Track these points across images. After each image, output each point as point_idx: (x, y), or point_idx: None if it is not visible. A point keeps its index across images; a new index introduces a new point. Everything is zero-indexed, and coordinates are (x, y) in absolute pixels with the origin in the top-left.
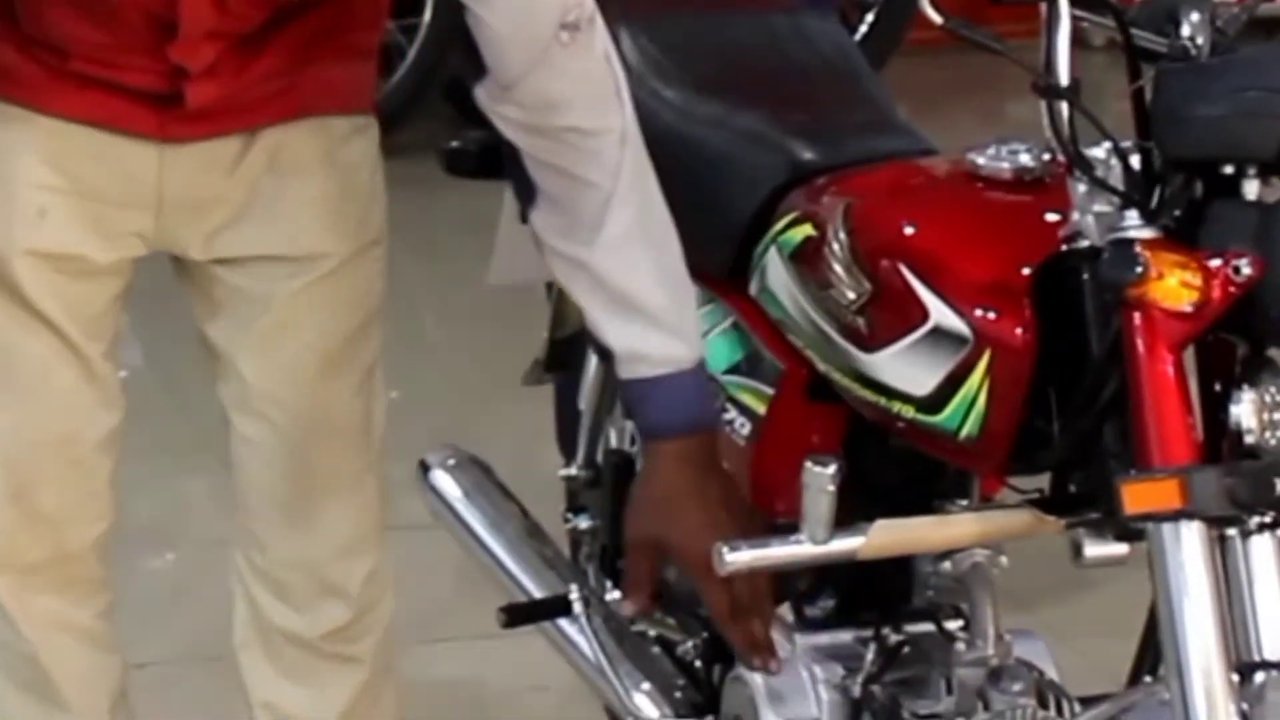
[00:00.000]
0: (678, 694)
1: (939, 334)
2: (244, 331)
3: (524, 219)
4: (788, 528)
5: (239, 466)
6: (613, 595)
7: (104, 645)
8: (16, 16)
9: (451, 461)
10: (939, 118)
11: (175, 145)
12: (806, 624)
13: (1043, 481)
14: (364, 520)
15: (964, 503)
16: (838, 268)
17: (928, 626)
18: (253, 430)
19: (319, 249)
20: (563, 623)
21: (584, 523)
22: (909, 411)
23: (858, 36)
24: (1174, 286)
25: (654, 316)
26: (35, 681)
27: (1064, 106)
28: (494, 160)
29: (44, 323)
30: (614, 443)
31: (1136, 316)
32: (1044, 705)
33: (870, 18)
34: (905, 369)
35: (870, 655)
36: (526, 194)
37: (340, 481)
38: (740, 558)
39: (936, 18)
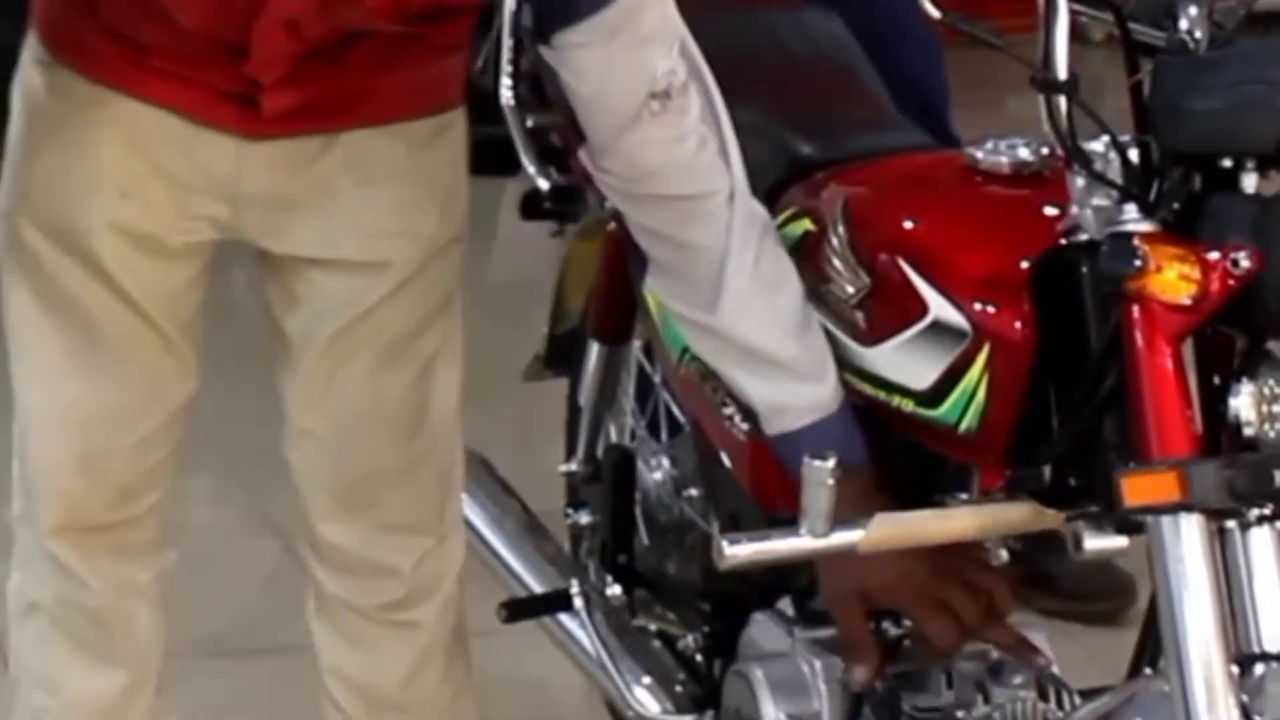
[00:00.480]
0: (678, 688)
1: (938, 328)
2: (318, 330)
3: (639, 285)
4: (787, 521)
5: (293, 454)
6: (614, 590)
7: (159, 607)
8: (98, 5)
9: None
10: None
11: (253, 141)
12: (807, 618)
13: (1043, 475)
14: (418, 506)
15: (964, 496)
16: (837, 262)
17: None
18: (310, 422)
19: (397, 257)
20: (563, 618)
21: (584, 518)
22: (908, 405)
23: None
24: (1173, 279)
25: (788, 367)
26: (94, 639)
27: (1062, 101)
28: (494, 157)
29: (124, 299)
30: (614, 438)
31: (1135, 309)
32: (1044, 698)
33: None
34: (904, 363)
35: None
36: (639, 261)
37: (391, 470)
38: (740, 551)
39: (935, 13)
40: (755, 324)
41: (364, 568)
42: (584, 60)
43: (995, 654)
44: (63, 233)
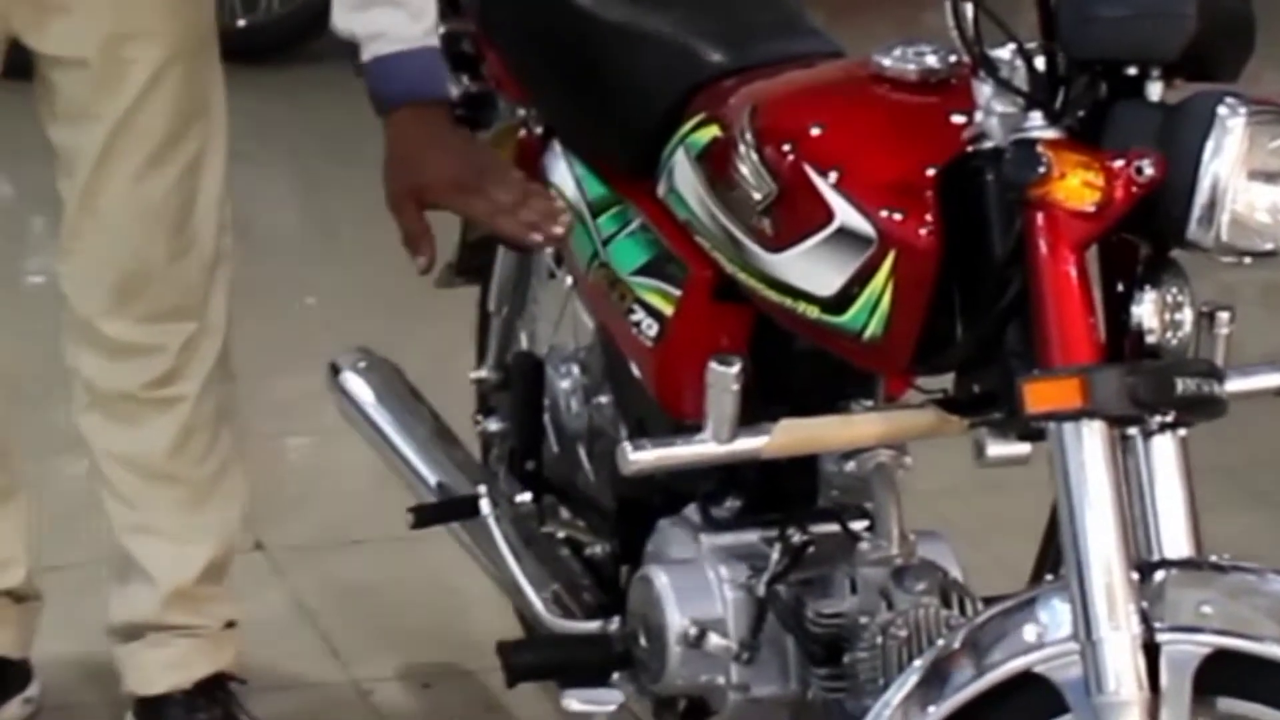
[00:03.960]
0: (585, 595)
1: (844, 234)
2: (84, 143)
3: None
4: (693, 428)
5: (71, 257)
6: (523, 497)
7: None
8: None
9: (362, 364)
10: (854, 25)
11: None
12: (712, 524)
13: (947, 382)
14: (182, 292)
15: (869, 403)
16: (744, 168)
17: (832, 527)
18: (86, 225)
19: (140, 56)
20: (471, 524)
21: (494, 425)
22: (814, 312)
23: None
24: (1076, 186)
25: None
26: None
27: (969, 7)
28: None
29: None
30: (524, 345)
31: (1039, 216)
32: (947, 605)
33: None
34: (810, 269)
35: (775, 555)
36: None
37: (159, 262)
38: (645, 457)
39: None
40: None
41: (135, 350)
42: None
43: (899, 561)
44: None
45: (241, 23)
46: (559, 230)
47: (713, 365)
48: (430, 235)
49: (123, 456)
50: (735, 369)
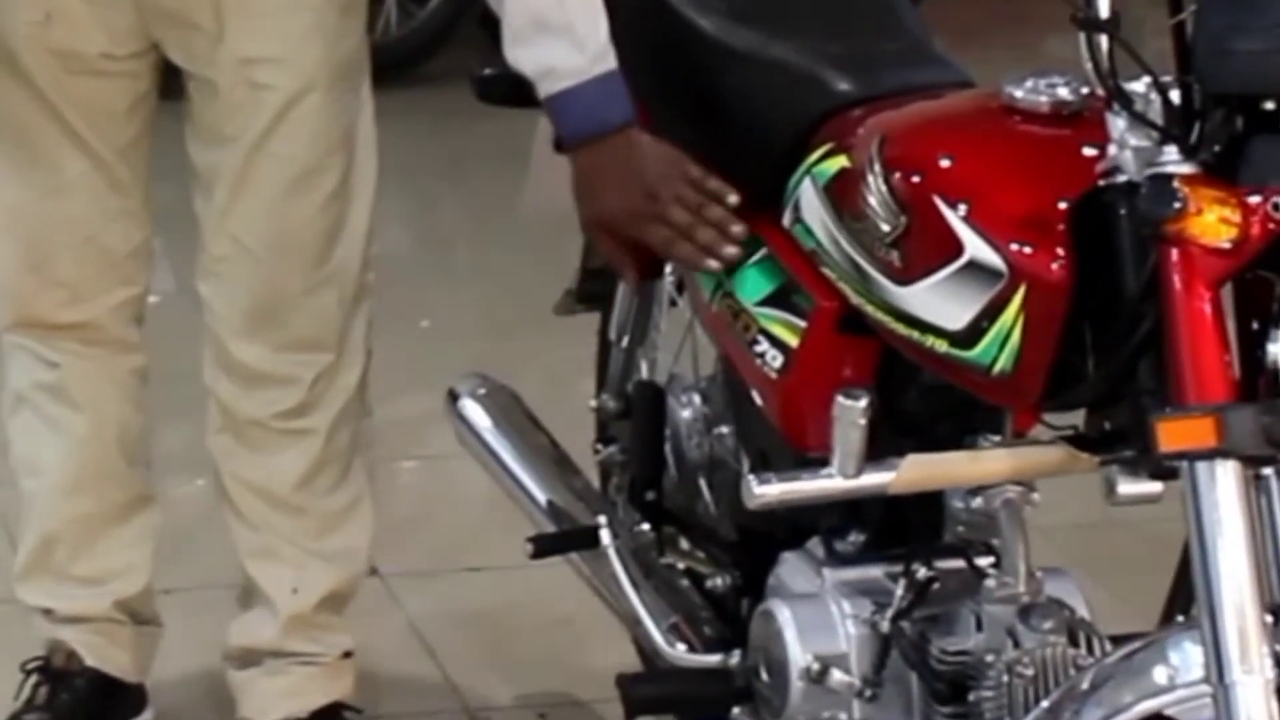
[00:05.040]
0: (705, 627)
1: (974, 268)
2: (214, 156)
3: None
4: (819, 461)
5: (205, 284)
6: (642, 527)
7: (131, 398)
8: None
9: (481, 390)
10: (977, 52)
11: None
12: (836, 559)
13: (1077, 418)
14: (319, 325)
15: (996, 438)
16: (872, 200)
17: (958, 563)
18: (223, 248)
19: (276, 82)
20: (591, 554)
21: (614, 454)
22: (942, 346)
23: None
24: (1212, 222)
25: (558, 31)
26: (62, 418)
27: (1103, 39)
28: (527, 88)
29: (54, 114)
30: (645, 374)
31: (1174, 252)
32: (1074, 643)
33: None
34: (939, 303)
35: (900, 591)
36: None
37: (296, 292)
38: (770, 491)
39: None
40: None
41: (268, 379)
42: None
43: (1026, 598)
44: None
45: None
46: (732, 252)
47: (840, 399)
48: (630, 259)
49: (250, 482)
50: (863, 402)
